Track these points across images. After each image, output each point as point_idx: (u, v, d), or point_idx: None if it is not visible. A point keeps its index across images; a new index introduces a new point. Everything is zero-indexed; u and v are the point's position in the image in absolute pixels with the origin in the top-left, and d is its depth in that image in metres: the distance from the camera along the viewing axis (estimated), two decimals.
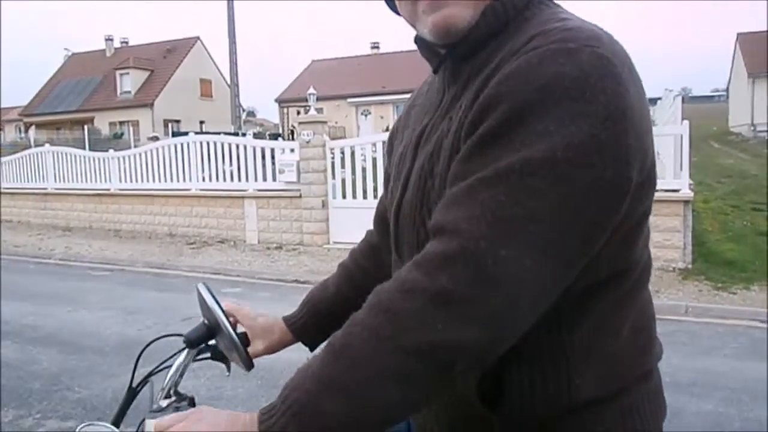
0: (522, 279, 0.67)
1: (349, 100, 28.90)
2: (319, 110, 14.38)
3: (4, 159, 15.19)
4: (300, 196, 9.50)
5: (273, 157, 9.97)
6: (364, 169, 9.02)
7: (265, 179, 10.02)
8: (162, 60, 35.36)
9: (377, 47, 33.89)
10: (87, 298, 6.83)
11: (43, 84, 38.35)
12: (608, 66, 0.70)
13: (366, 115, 29.48)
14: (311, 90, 16.82)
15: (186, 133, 12.86)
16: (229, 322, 0.89)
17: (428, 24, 0.83)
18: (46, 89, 37.69)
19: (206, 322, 0.88)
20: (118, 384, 3.97)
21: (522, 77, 0.71)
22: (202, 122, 31.46)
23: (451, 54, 0.86)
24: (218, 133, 13.07)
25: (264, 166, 10.02)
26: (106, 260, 9.27)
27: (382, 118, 28.49)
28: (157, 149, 11.52)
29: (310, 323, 1.17)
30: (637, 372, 0.87)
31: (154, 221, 11.41)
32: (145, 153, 11.77)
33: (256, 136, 15.80)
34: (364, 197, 9.06)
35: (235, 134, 14.84)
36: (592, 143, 0.68)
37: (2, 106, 47.10)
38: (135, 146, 16.39)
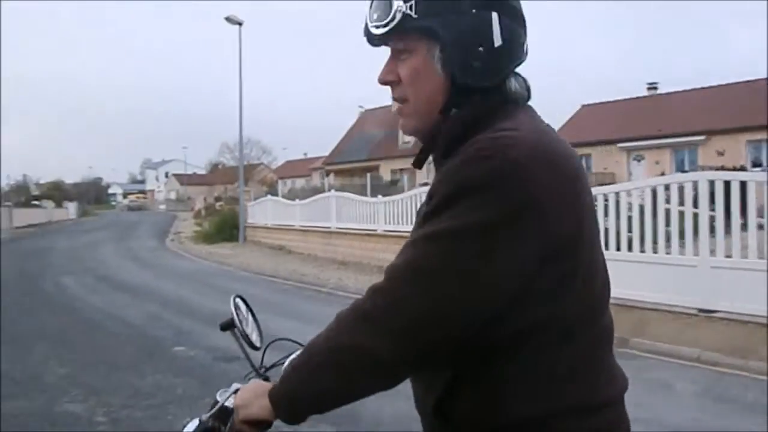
0: (419, 312, 0.95)
1: (620, 144, 27.26)
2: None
3: (303, 201, 18.40)
4: None
5: None
6: (630, 218, 7.87)
7: None
8: None
9: (654, 88, 31.43)
10: None
11: (341, 137, 45.00)
12: (515, 169, 0.95)
13: (639, 161, 27.37)
14: None
15: None
16: (240, 320, 1.30)
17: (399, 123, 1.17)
18: (343, 141, 43.98)
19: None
20: None
21: (449, 176, 1.00)
22: None
23: (433, 154, 1.15)
24: None
25: None
26: (362, 292, 10.53)
27: (657, 163, 26.05)
28: (411, 197, 12.85)
29: None
30: (571, 401, 1.02)
31: None
32: (402, 199, 13.29)
33: None
34: (629, 249, 7.80)
35: None
36: (486, 225, 0.94)
37: (311, 155, 56.13)
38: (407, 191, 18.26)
